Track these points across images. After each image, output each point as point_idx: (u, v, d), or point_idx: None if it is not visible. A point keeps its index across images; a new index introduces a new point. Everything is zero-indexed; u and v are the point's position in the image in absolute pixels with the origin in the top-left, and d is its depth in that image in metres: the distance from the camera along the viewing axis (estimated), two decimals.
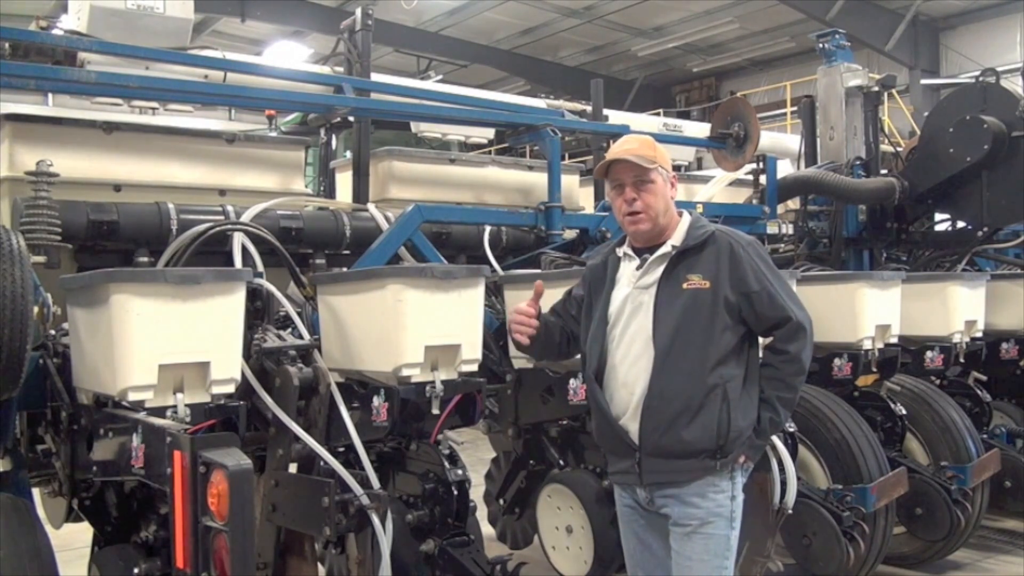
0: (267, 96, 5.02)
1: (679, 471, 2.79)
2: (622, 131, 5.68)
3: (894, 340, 4.86)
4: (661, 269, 2.87)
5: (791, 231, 6.77)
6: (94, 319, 2.85)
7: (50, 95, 6.95)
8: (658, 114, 12.84)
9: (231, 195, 4.43)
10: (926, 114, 8.78)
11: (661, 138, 6.58)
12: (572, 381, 3.95)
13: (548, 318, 3.11)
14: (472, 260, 4.80)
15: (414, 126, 6.92)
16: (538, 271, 4.50)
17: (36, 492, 3.64)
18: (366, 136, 5.16)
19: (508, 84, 20.32)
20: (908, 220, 6.87)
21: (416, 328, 3.12)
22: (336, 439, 3.19)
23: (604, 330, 2.93)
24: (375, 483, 3.13)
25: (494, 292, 4.35)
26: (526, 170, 5.71)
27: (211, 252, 3.67)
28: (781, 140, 10.63)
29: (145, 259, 3.95)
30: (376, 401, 3.21)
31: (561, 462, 4.42)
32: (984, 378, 5.81)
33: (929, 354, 5.21)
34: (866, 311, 4.66)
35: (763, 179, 6.52)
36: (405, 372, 3.13)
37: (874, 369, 4.89)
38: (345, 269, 4.34)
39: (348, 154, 5.74)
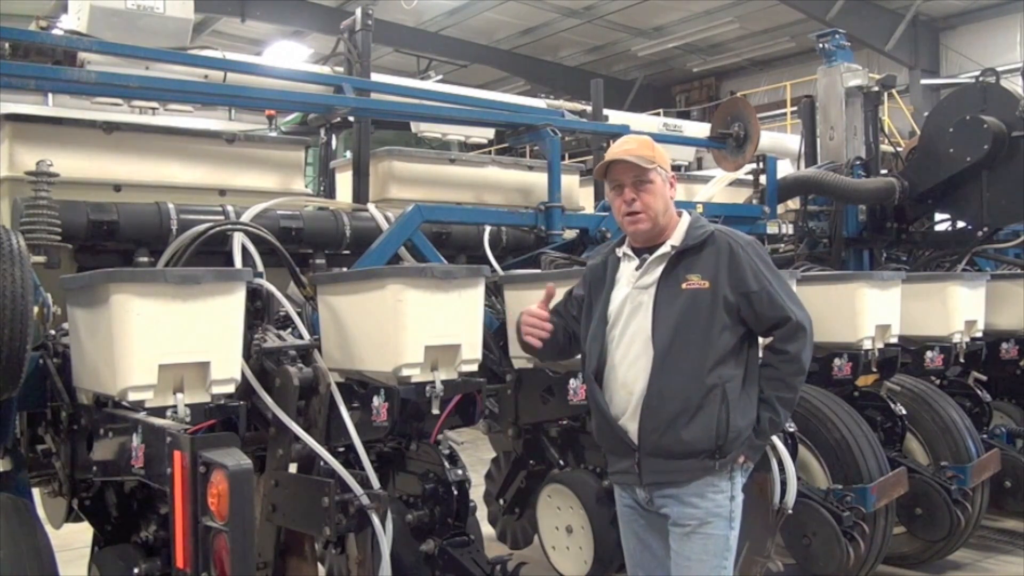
0: (267, 96, 5.02)
1: (678, 471, 2.79)
2: (622, 131, 5.68)
3: (894, 340, 4.86)
4: (660, 269, 2.87)
5: (791, 231, 6.77)
6: (94, 319, 2.85)
7: (50, 95, 6.94)
8: (658, 114, 12.86)
9: (231, 195, 4.43)
10: (926, 114, 8.79)
11: (661, 138, 6.62)
12: (572, 381, 3.95)
13: (551, 319, 3.11)
14: (472, 260, 4.80)
15: (414, 126, 6.92)
16: (538, 271, 4.50)
17: (36, 492, 3.64)
18: (366, 136, 5.16)
19: (508, 84, 20.32)
20: (908, 220, 6.87)
21: (416, 328, 3.12)
22: (336, 439, 3.19)
23: (604, 330, 2.94)
24: (375, 483, 3.13)
25: (494, 292, 4.35)
26: (526, 170, 5.71)
27: (211, 252, 3.67)
28: (781, 140, 10.64)
29: (145, 259, 3.94)
30: (376, 401, 3.21)
31: (561, 462, 4.42)
32: (984, 378, 5.81)
33: (929, 354, 5.21)
34: (866, 311, 4.66)
35: (763, 179, 6.52)
36: (405, 372, 3.13)
37: (874, 369, 4.89)
38: (345, 269, 4.34)
39: (348, 154, 5.74)
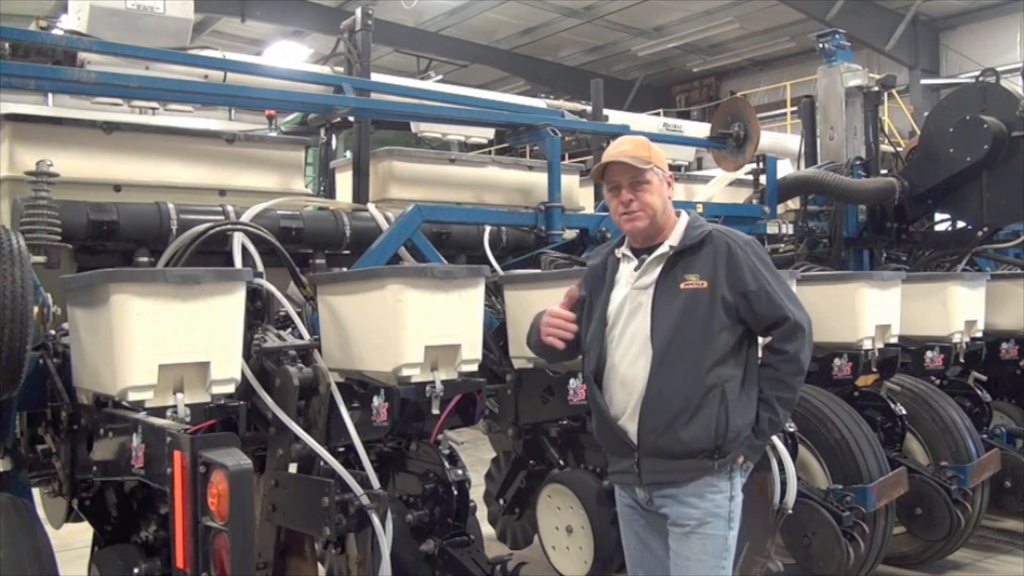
0: (267, 96, 5.02)
1: (677, 471, 2.79)
2: (622, 131, 5.68)
3: (894, 340, 4.86)
4: (659, 269, 2.87)
5: (791, 231, 6.77)
6: (94, 319, 2.85)
7: (50, 95, 6.94)
8: (658, 114, 12.86)
9: (231, 195, 4.42)
10: (926, 114, 8.79)
11: (661, 138, 6.65)
12: (572, 381, 3.95)
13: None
14: (472, 260, 4.80)
15: (414, 126, 6.92)
16: (538, 271, 4.50)
17: (36, 492, 3.64)
18: (366, 136, 5.16)
19: (508, 84, 20.32)
20: (908, 220, 6.87)
21: (416, 328, 3.12)
22: (336, 439, 3.19)
23: (603, 331, 2.94)
24: (375, 483, 3.13)
25: (494, 292, 4.35)
26: (526, 170, 5.71)
27: (211, 252, 3.66)
28: (781, 140, 10.64)
29: (145, 259, 3.94)
30: (376, 401, 3.21)
31: (561, 462, 4.42)
32: (984, 378, 5.81)
33: (929, 354, 5.21)
34: (866, 311, 4.66)
35: (763, 179, 6.52)
36: (405, 372, 3.13)
37: (874, 369, 4.89)
38: (345, 269, 4.34)
39: (348, 154, 5.74)
